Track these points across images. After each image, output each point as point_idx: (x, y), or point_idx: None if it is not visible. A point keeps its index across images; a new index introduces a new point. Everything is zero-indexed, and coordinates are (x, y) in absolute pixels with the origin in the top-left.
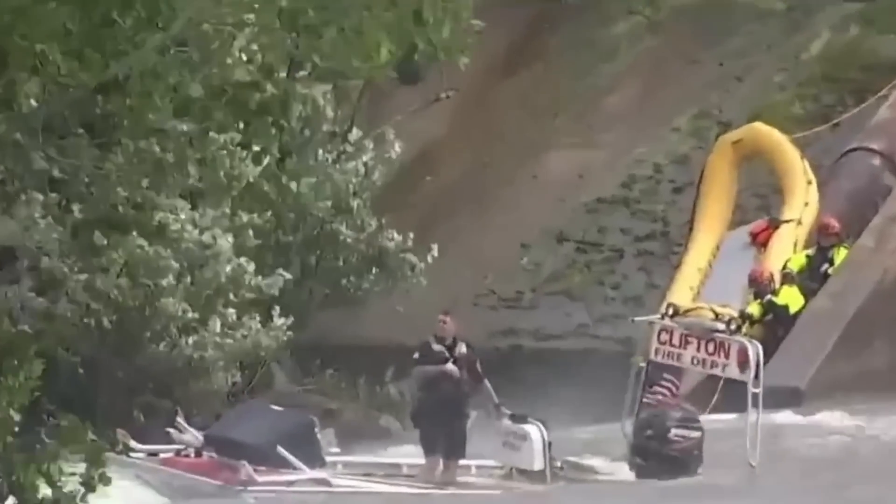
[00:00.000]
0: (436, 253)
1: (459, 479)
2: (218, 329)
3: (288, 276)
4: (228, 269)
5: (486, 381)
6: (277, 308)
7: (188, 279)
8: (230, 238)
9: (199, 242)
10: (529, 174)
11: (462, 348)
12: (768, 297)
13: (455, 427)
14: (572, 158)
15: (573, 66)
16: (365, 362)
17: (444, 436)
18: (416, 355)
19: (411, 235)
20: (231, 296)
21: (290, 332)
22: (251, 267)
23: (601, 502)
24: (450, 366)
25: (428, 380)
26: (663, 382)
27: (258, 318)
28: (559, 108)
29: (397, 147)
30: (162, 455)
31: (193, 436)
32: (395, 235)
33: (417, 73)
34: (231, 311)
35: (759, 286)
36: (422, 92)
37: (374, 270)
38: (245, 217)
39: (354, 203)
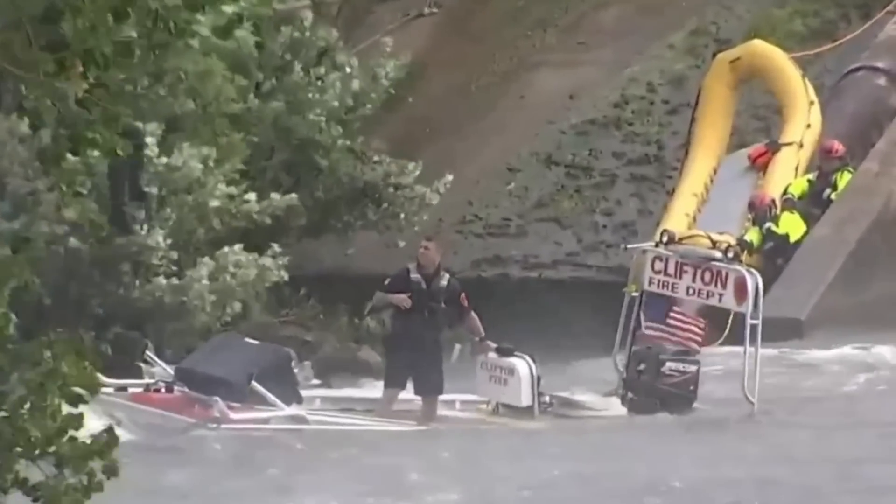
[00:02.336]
0: (448, 183)
1: (442, 413)
2: (204, 274)
3: (285, 199)
4: (217, 201)
5: (473, 314)
6: (275, 246)
7: (167, 210)
8: (202, 163)
9: (168, 165)
10: (517, 94)
11: (444, 280)
12: (768, 225)
13: (424, 361)
14: (562, 77)
15: None
16: (346, 292)
17: (410, 369)
18: (387, 281)
19: (419, 164)
20: (217, 223)
21: (284, 273)
22: (241, 193)
23: (588, 439)
24: (399, 296)
25: (395, 310)
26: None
27: (247, 256)
28: (549, 23)
29: (391, 70)
30: (131, 390)
31: (164, 370)
32: (399, 165)
33: None
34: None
35: (758, 212)
36: (403, 7)
37: (368, 204)
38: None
39: (338, 129)
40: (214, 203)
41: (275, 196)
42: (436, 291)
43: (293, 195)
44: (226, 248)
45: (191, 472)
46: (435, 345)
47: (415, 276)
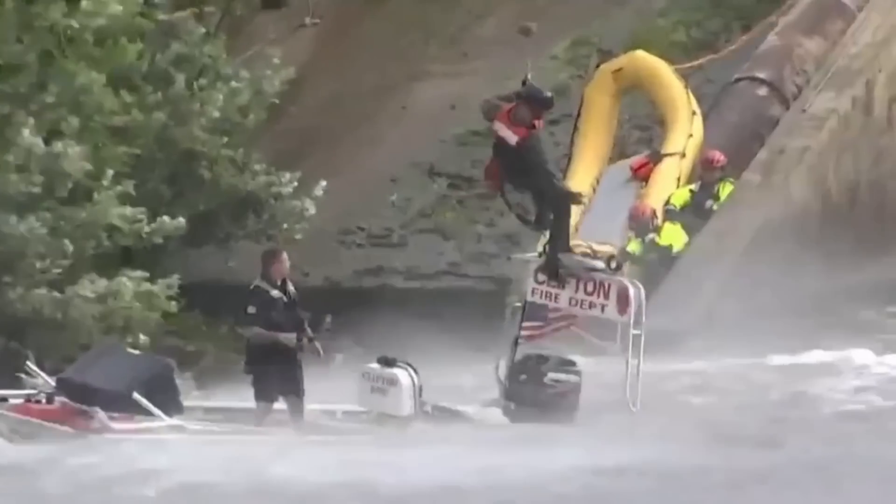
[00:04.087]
0: (320, 192)
1: (319, 422)
2: (87, 291)
3: (173, 222)
4: (113, 219)
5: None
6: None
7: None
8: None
9: (47, 153)
10: (399, 105)
11: (290, 286)
12: (650, 236)
13: (289, 370)
14: (444, 88)
15: None
16: (228, 302)
17: (279, 381)
18: (251, 309)
19: (297, 174)
20: (105, 239)
21: (173, 304)
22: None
23: (471, 448)
24: (287, 336)
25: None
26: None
27: (137, 285)
28: (431, 34)
29: (276, 83)
30: (11, 401)
31: (45, 381)
32: (278, 176)
33: None
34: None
35: (640, 223)
36: (284, 18)
37: (250, 214)
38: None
39: (221, 140)
40: (110, 221)
41: (165, 219)
42: (292, 302)
43: (181, 220)
44: (119, 277)
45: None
46: (295, 351)
47: (274, 292)
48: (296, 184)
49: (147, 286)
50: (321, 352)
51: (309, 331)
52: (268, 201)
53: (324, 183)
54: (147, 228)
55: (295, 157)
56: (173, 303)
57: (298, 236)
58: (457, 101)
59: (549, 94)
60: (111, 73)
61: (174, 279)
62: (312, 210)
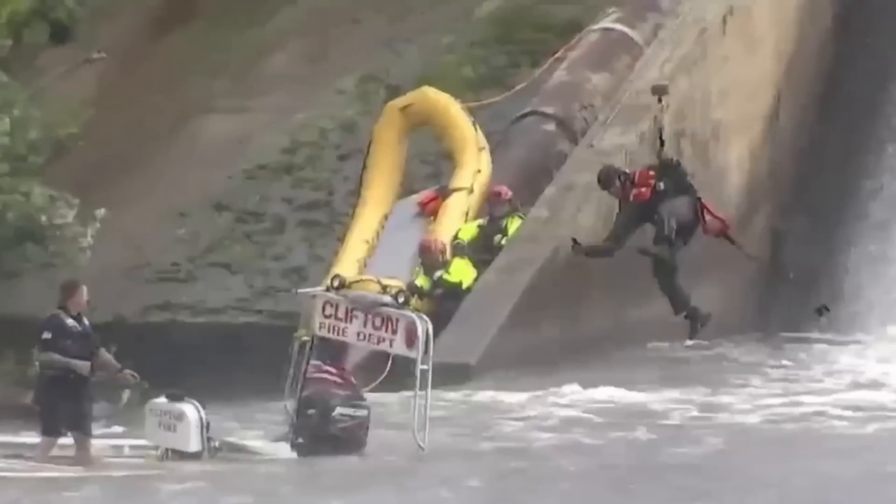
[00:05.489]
0: (98, 223)
1: (106, 458)
2: None
3: None
4: None
5: (103, 351)
6: None
7: None
8: None
9: None
10: (186, 139)
11: (86, 322)
12: (439, 274)
13: (79, 404)
14: (232, 122)
15: (233, 24)
16: (12, 336)
17: (67, 416)
18: (46, 335)
19: (76, 204)
20: None
21: None
22: None
23: (253, 485)
24: (81, 364)
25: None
26: (329, 359)
27: None
28: (218, 68)
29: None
30: None
31: None
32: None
33: (67, 31)
34: None
35: (429, 257)
36: (71, 52)
37: (34, 246)
38: None
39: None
40: None
41: None
42: (88, 333)
43: None
44: None
45: None
46: (86, 387)
47: (70, 321)
48: (76, 211)
49: None
50: (136, 377)
51: (115, 362)
52: (52, 232)
53: (103, 210)
54: None
55: (83, 191)
56: None
57: (83, 264)
58: (244, 137)
59: None
60: None
61: None
62: (88, 238)
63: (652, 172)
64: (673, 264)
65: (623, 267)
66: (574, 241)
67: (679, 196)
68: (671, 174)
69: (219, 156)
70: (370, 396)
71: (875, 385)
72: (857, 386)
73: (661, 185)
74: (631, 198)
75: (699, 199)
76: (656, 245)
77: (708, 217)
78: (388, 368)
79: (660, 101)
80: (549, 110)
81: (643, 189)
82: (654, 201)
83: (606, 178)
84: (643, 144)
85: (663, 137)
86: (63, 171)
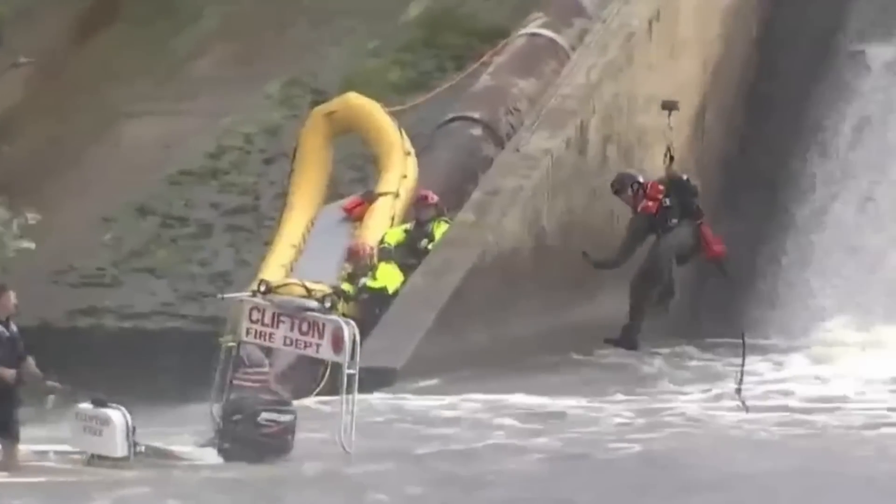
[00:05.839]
0: (29, 221)
1: (32, 464)
2: None
3: None
4: None
5: (30, 359)
6: None
7: None
8: None
9: None
10: (111, 144)
11: (13, 327)
12: (363, 281)
13: (4, 413)
14: (156, 127)
15: (157, 28)
16: None
17: None
18: None
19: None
20: None
21: None
22: None
23: (176, 490)
24: (7, 371)
25: None
26: (256, 364)
27: None
28: (142, 72)
29: None
30: None
31: None
32: None
33: None
34: None
35: (356, 261)
36: None
37: None
38: None
39: None
40: None
41: None
42: (15, 339)
43: None
44: None
45: None
46: (12, 392)
47: None
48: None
49: None
50: (59, 386)
51: (38, 370)
52: None
53: (39, 216)
54: None
55: (8, 197)
56: None
57: (9, 274)
58: (170, 141)
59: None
60: None
61: None
62: (17, 242)
63: (661, 187)
64: (672, 290)
65: (550, 273)
66: (584, 253)
67: (683, 220)
68: (678, 191)
69: (144, 160)
70: (297, 402)
71: (786, 393)
72: (769, 395)
73: (668, 202)
74: (639, 209)
75: (700, 223)
76: (648, 276)
77: (708, 244)
78: (326, 375)
79: (669, 116)
80: (476, 115)
81: (650, 203)
82: (660, 217)
83: (620, 185)
84: (569, 149)
85: (672, 153)
86: None
